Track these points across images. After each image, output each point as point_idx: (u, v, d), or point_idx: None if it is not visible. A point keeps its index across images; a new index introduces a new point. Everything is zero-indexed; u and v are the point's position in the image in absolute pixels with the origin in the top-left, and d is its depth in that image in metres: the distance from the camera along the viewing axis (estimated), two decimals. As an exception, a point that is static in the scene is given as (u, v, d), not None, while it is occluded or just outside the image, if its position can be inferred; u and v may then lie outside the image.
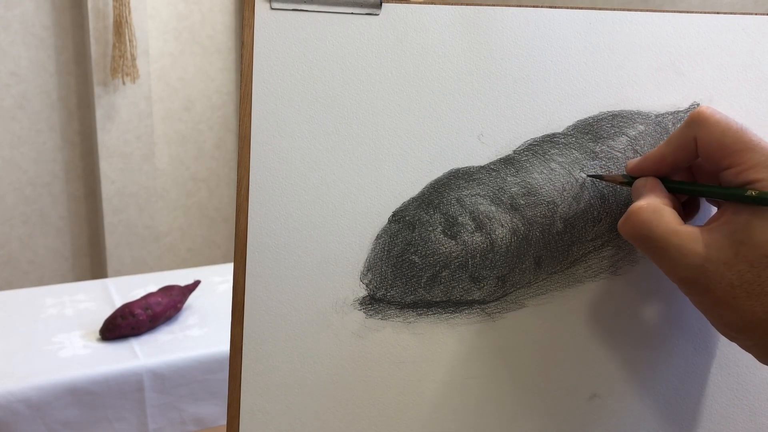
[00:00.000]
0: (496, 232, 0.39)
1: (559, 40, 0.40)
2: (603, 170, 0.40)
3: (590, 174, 0.40)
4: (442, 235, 0.39)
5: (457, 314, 0.39)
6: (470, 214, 0.39)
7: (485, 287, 0.39)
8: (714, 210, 0.39)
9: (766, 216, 0.31)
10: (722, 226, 0.32)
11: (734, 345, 0.34)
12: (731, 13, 0.41)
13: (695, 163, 0.37)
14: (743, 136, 0.32)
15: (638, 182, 0.37)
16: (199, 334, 1.29)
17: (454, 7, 0.39)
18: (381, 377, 0.39)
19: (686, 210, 0.39)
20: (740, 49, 0.41)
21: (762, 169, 0.32)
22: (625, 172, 0.39)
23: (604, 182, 0.39)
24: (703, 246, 0.32)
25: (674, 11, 0.41)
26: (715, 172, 0.34)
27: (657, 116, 0.41)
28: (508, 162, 0.40)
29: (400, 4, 0.39)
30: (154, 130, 2.49)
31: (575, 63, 0.40)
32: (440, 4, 0.39)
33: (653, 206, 0.34)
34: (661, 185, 0.36)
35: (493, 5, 0.39)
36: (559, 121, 0.40)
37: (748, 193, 0.31)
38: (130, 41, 2.24)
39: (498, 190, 0.39)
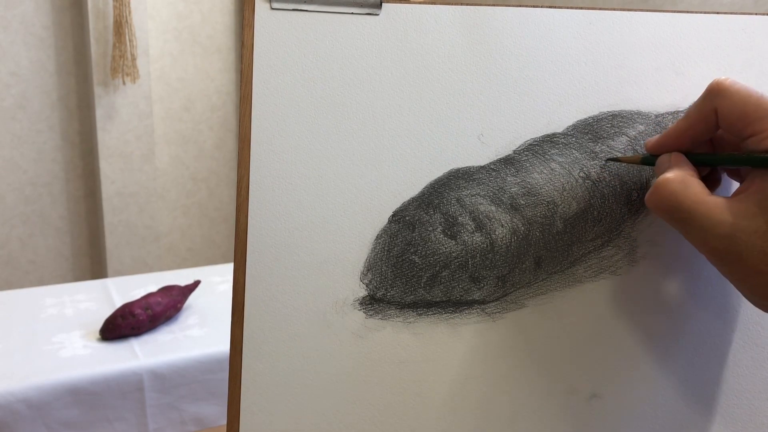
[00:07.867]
0: (496, 232, 0.39)
1: (559, 40, 0.40)
2: (603, 170, 0.40)
3: (609, 158, 0.39)
4: (442, 235, 0.39)
5: (457, 314, 0.39)
6: (470, 214, 0.39)
7: (485, 287, 0.39)
8: (735, 185, 0.39)
9: None
10: (752, 195, 0.32)
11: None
12: (731, 13, 0.41)
13: (714, 136, 0.36)
14: (764, 103, 0.32)
15: (662, 158, 0.36)
16: (199, 334, 1.29)
17: (454, 7, 0.39)
18: (381, 377, 0.39)
19: (707, 185, 0.39)
20: (740, 49, 0.41)
21: None
22: (644, 153, 0.38)
23: (604, 182, 0.39)
24: (732, 215, 0.32)
25: (674, 11, 0.41)
26: (735, 143, 0.34)
27: (657, 116, 0.41)
28: (508, 162, 0.40)
29: (400, 4, 0.39)
30: (154, 130, 2.49)
31: (575, 63, 0.40)
32: (440, 4, 0.39)
33: (680, 177, 0.34)
34: (685, 158, 0.35)
35: (493, 5, 0.39)
36: (559, 121, 0.40)
37: None
38: (130, 41, 2.24)
39: (498, 190, 0.39)
